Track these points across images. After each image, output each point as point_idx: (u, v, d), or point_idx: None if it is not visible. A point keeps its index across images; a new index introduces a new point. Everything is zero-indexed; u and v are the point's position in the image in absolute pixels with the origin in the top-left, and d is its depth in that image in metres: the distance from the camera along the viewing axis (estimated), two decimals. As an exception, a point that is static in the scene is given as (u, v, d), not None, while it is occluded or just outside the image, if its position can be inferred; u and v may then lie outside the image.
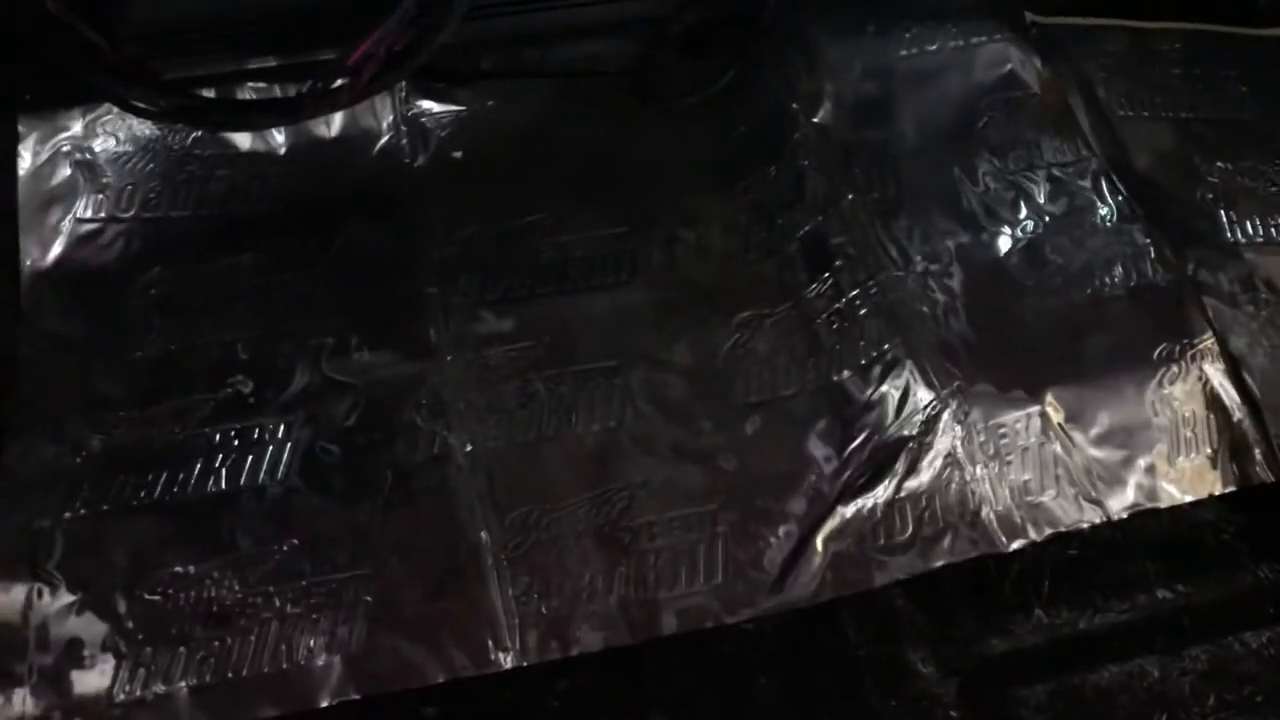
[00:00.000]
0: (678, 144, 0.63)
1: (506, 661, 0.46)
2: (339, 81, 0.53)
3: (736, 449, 0.52)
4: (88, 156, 0.57)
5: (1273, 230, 0.59)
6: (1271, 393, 0.51)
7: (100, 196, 0.57)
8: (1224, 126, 0.63)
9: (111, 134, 0.58)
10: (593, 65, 0.68)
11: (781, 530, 0.49)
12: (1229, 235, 0.58)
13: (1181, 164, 0.61)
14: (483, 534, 0.49)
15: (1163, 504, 0.49)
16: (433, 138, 0.63)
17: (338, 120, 0.63)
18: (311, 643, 0.46)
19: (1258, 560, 0.49)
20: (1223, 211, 0.59)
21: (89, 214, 0.56)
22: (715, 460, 0.51)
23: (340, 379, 0.54)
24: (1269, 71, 0.67)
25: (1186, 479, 0.50)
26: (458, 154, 0.63)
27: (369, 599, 0.47)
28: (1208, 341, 0.53)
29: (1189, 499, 0.49)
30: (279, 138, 0.62)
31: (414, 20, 0.52)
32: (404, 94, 0.64)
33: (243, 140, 0.61)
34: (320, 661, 0.46)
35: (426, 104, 0.64)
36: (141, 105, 0.52)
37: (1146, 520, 0.49)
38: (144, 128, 0.58)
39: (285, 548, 0.48)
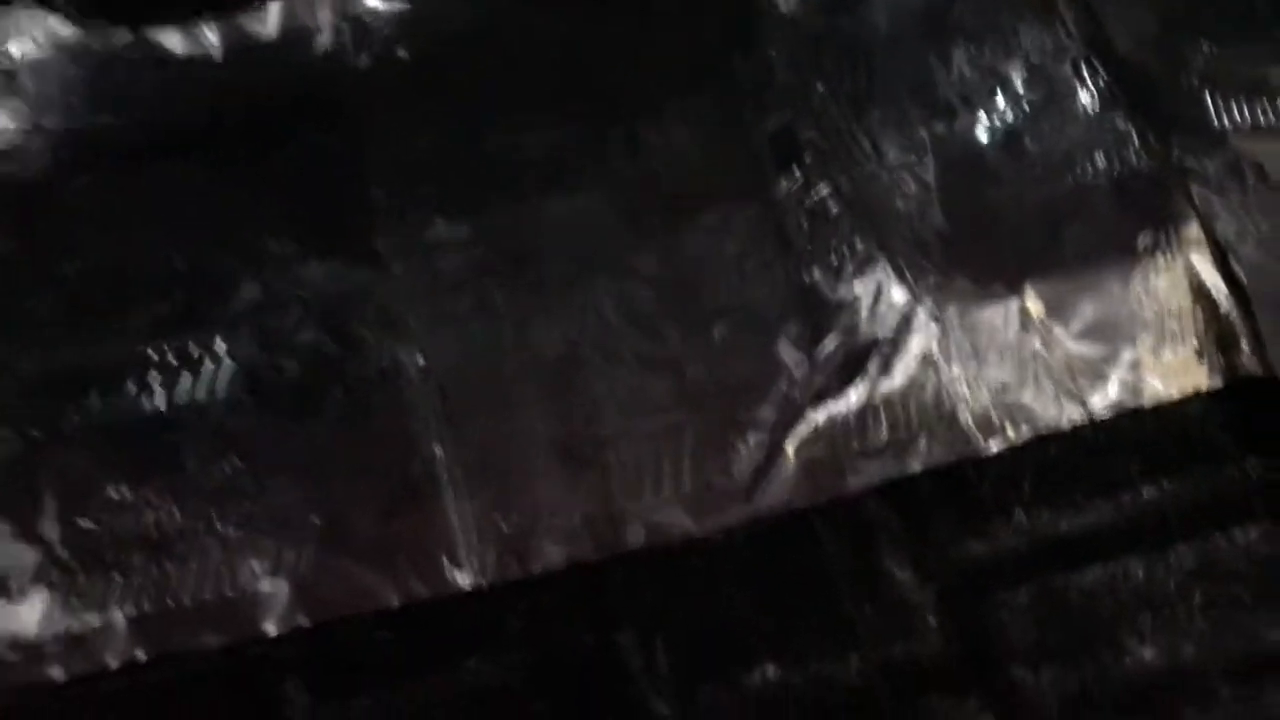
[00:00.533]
0: (641, 37, 0.60)
1: (464, 581, 0.44)
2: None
3: (704, 356, 0.49)
4: (3, 63, 0.53)
5: (1260, 115, 0.56)
6: (1260, 282, 0.49)
7: (19, 104, 0.53)
8: (1212, 6, 0.60)
9: (28, 36, 0.54)
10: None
11: (751, 438, 0.47)
12: (1215, 121, 0.55)
13: (1167, 47, 0.58)
14: (437, 449, 0.46)
15: (1147, 401, 0.47)
16: (376, 36, 0.59)
17: (274, 21, 0.59)
18: (257, 567, 0.44)
19: (1245, 454, 0.47)
20: (1208, 96, 0.56)
21: (8, 124, 0.52)
22: (682, 369, 0.49)
23: (284, 291, 0.50)
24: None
25: (1172, 374, 0.48)
26: (403, 54, 0.59)
27: (317, 521, 0.45)
28: (1194, 230, 0.50)
29: (1175, 395, 0.47)
30: (213, 39, 0.58)
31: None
32: (342, -12, 0.59)
33: (174, 43, 0.58)
34: (266, 587, 0.43)
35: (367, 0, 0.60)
36: (54, -1, 0.48)
37: (1130, 417, 0.47)
38: (65, 28, 0.54)
39: (228, 469, 0.46)
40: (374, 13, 0.60)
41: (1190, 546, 0.45)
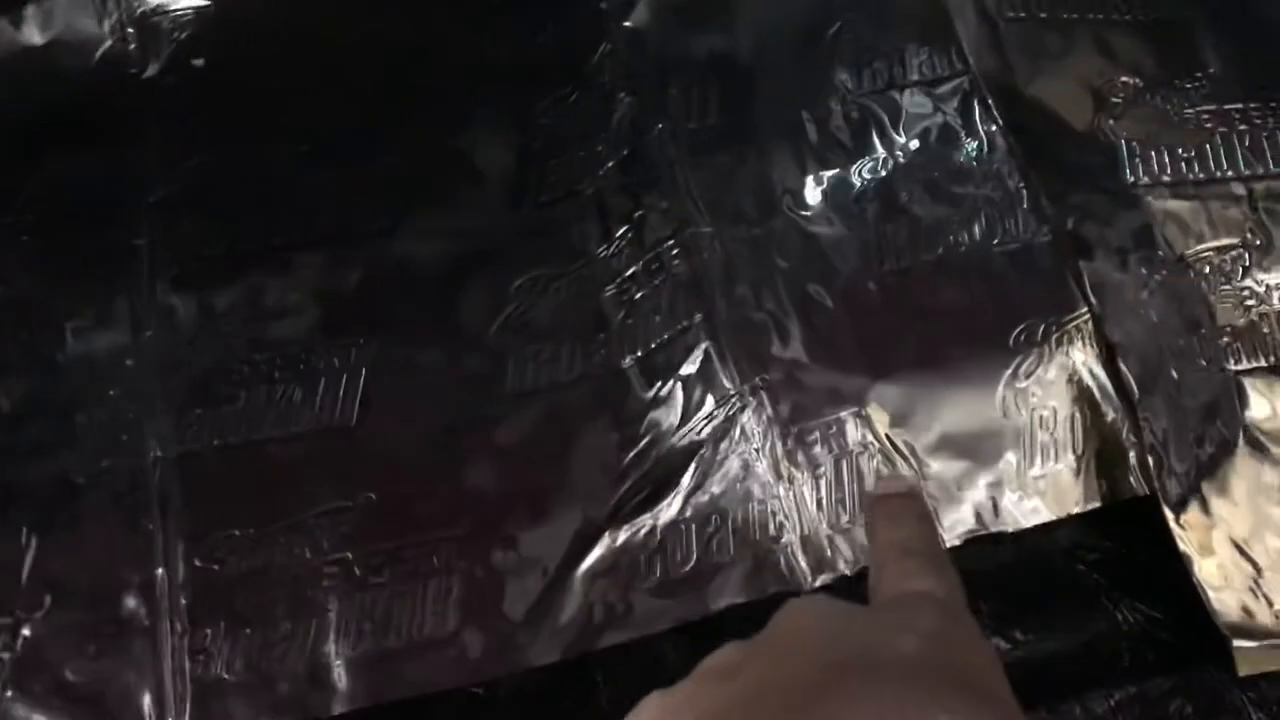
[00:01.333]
0: (471, 52, 0.51)
1: (168, 736, 0.36)
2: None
3: (494, 455, 0.42)
4: None
5: (1183, 165, 0.47)
6: (1152, 382, 0.41)
7: None
8: (1138, 30, 0.51)
9: None
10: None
11: (536, 563, 0.39)
12: (1128, 174, 0.47)
13: (1078, 79, 0.50)
14: (159, 570, 0.39)
15: (1008, 527, 0.40)
16: (168, 41, 0.51)
17: (47, 24, 0.50)
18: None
19: (1118, 598, 0.40)
20: (1123, 142, 0.48)
21: None
22: (466, 471, 0.42)
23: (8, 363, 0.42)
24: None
25: (1040, 494, 0.40)
26: (198, 61, 0.51)
27: (6, 657, 0.37)
28: (1080, 319, 0.42)
29: (1041, 520, 0.39)
30: (-31, 44, 0.49)
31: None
32: (133, -13, 0.51)
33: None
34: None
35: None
36: None
37: (986, 548, 0.39)
38: None
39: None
40: (169, 13, 0.51)
41: (1039, 717, 0.37)
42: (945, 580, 0.30)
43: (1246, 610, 0.38)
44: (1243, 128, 0.49)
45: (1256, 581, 0.39)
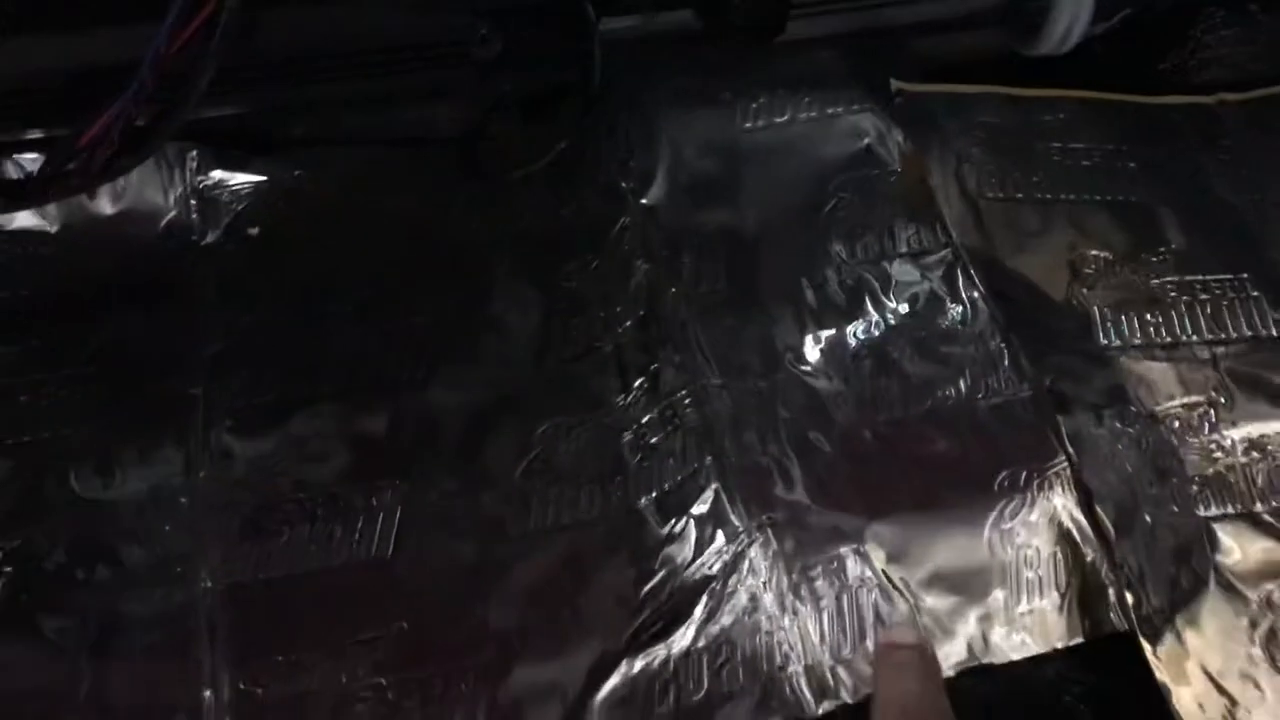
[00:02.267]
0: (500, 225, 0.57)
1: None
2: (71, 165, 0.46)
3: (517, 589, 0.45)
4: None
5: (1152, 330, 0.52)
6: (1128, 525, 0.44)
7: None
8: (1107, 209, 0.57)
9: None
10: (420, 133, 0.61)
11: (556, 691, 0.42)
12: (1102, 338, 0.52)
13: (1054, 253, 0.55)
14: (207, 693, 0.42)
15: (997, 660, 0.42)
16: (226, 212, 0.56)
17: (119, 196, 0.56)
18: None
19: (1102, 728, 0.42)
20: (1096, 309, 0.53)
21: None
22: (490, 603, 0.45)
23: (72, 499, 0.46)
24: (1163, 144, 0.61)
25: (1027, 629, 0.43)
26: (253, 230, 0.56)
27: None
28: (1059, 467, 0.46)
29: (1028, 654, 0.42)
30: (52, 212, 0.55)
31: (151, 95, 0.45)
32: (196, 163, 0.57)
33: (9, 216, 0.54)
34: None
35: (221, 174, 0.57)
36: None
37: (977, 679, 0.42)
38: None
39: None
40: (227, 187, 0.56)
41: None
42: None
43: (1223, 739, 0.41)
44: (1204, 297, 0.54)
45: (1231, 712, 0.42)
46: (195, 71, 0.43)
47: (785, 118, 0.57)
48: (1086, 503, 0.45)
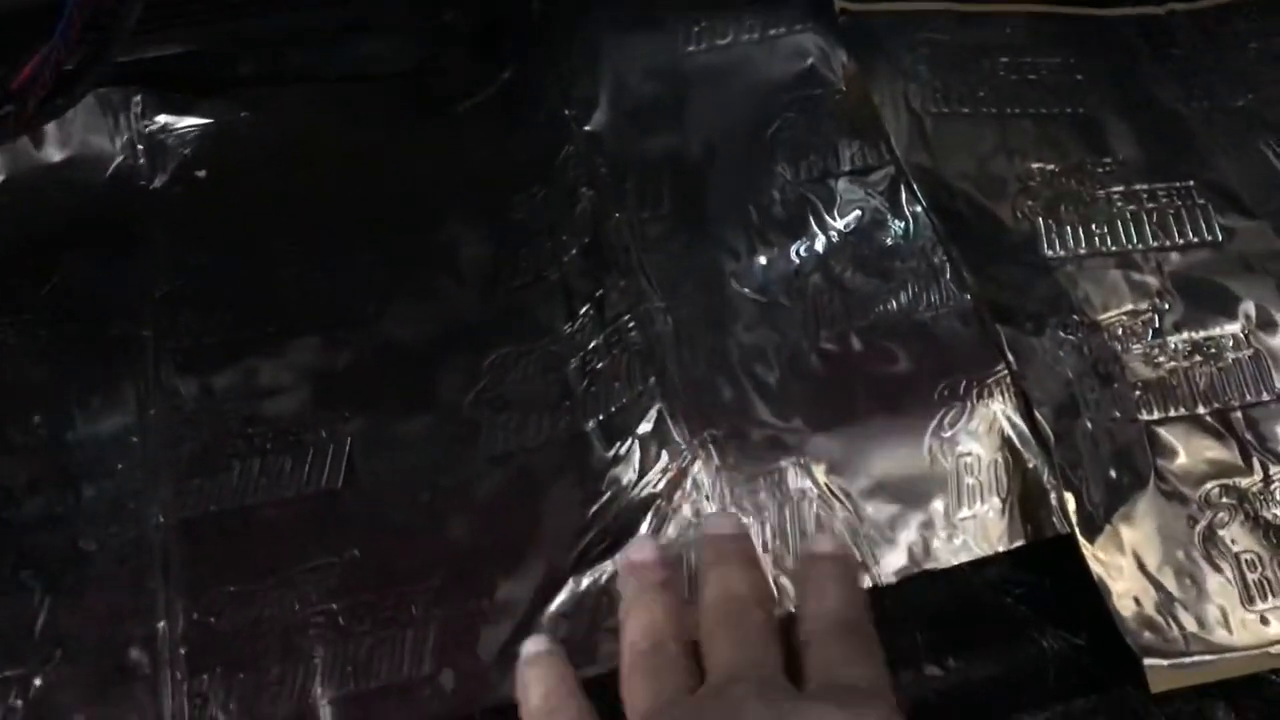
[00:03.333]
0: (448, 158, 0.57)
1: (169, 775, 0.39)
2: (4, 110, 0.46)
3: (469, 512, 0.46)
4: None
5: (1096, 240, 0.52)
6: (1068, 430, 0.45)
7: None
8: (1052, 122, 0.57)
9: None
10: (366, 68, 0.61)
11: (506, 609, 0.43)
12: (1046, 249, 0.52)
13: (998, 167, 0.55)
14: (161, 624, 0.43)
15: (939, 565, 0.43)
16: (173, 155, 0.56)
17: (65, 143, 0.56)
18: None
19: (1043, 627, 0.43)
20: (1041, 221, 0.53)
21: None
22: (443, 527, 0.45)
23: (23, 444, 0.47)
24: (1112, 56, 0.61)
25: (968, 534, 0.44)
26: (201, 173, 0.56)
27: (19, 704, 0.41)
28: (999, 375, 0.46)
29: (969, 558, 0.43)
30: (-5, 160, 0.55)
31: (80, 37, 0.45)
32: (141, 108, 0.57)
33: (-51, 166, 0.54)
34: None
35: (167, 118, 0.57)
36: None
37: (919, 585, 0.43)
38: None
39: (-68, 646, 0.42)
40: (174, 131, 0.56)
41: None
42: (876, 668, 0.34)
43: (1157, 632, 0.42)
44: (1150, 205, 0.54)
45: (1165, 607, 0.43)
46: (123, 8, 0.43)
47: (728, 40, 0.57)
48: (1026, 409, 0.46)
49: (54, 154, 0.56)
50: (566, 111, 0.55)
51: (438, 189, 0.55)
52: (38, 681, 0.41)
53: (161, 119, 0.57)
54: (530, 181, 0.54)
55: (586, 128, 0.55)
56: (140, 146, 0.57)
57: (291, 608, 0.43)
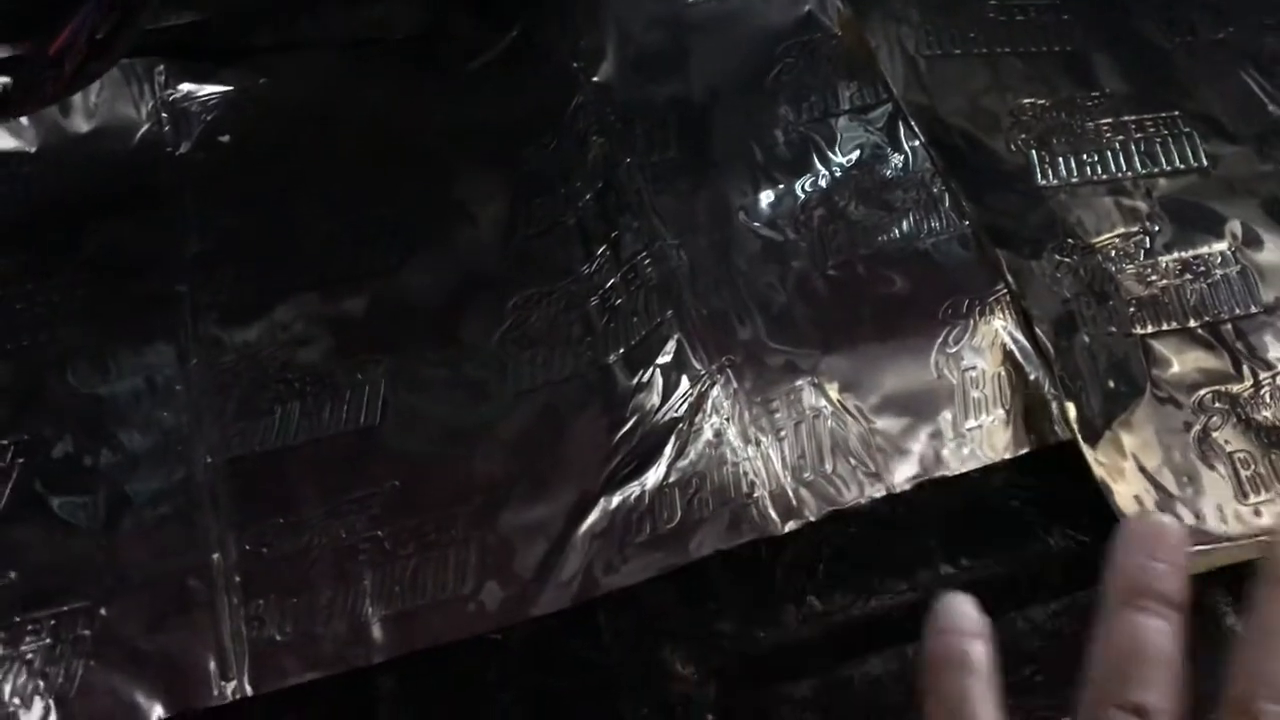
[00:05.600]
0: (461, 114, 0.59)
1: (229, 693, 0.42)
2: (45, 74, 0.48)
3: (501, 442, 0.48)
4: None
5: (1088, 169, 0.55)
6: (1067, 344, 0.48)
7: None
8: (1042, 60, 0.59)
9: None
10: (377, 32, 0.63)
11: (541, 529, 0.46)
12: (1039, 179, 0.54)
13: (991, 103, 0.57)
14: (215, 555, 0.45)
15: (949, 471, 0.46)
16: (197, 122, 0.59)
17: (92, 114, 0.58)
18: (23, 684, 0.42)
19: (1049, 527, 0.46)
20: (1034, 153, 0.55)
21: None
22: (475, 456, 0.48)
23: (72, 393, 0.49)
24: (1095, -8, 0.62)
25: (976, 444, 0.46)
26: (225, 138, 0.59)
27: (86, 633, 0.43)
28: (1000, 294, 0.49)
29: (977, 465, 0.45)
30: (30, 133, 0.57)
31: (113, 2, 0.47)
32: (164, 77, 0.59)
33: (-13, 139, 0.57)
34: (34, 708, 0.42)
35: (189, 86, 0.60)
36: None
37: (931, 492, 0.45)
38: None
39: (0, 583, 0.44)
40: (196, 98, 0.59)
41: (985, 628, 0.43)
42: None
43: (1158, 525, 0.44)
44: (1138, 135, 0.57)
45: (1165, 504, 0.45)
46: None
47: (727, -11, 0.59)
48: (1026, 325, 0.48)
49: (82, 125, 0.58)
50: (574, 64, 0.58)
51: (452, 144, 0.57)
52: (102, 612, 0.44)
53: (184, 87, 0.59)
54: (542, 132, 0.56)
55: (595, 78, 0.57)
56: (165, 114, 0.59)
57: (338, 535, 0.45)
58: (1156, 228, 0.53)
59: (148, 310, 0.52)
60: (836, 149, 0.54)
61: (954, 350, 0.48)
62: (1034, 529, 0.46)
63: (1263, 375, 0.49)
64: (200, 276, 0.53)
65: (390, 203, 0.55)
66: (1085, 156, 0.56)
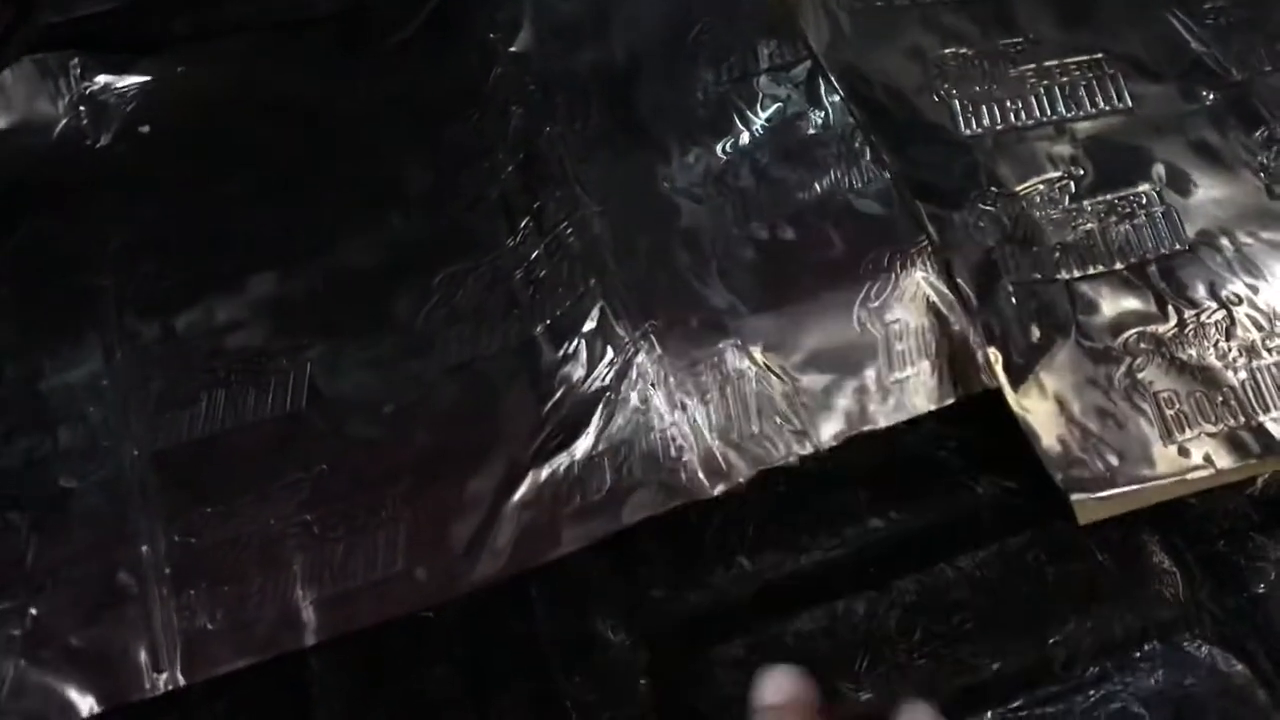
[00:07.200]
0: (383, 92, 0.59)
1: (162, 684, 0.42)
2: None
3: (430, 420, 0.48)
4: None
5: (1012, 115, 0.55)
6: (989, 292, 0.47)
7: None
8: (965, 8, 0.59)
9: None
10: (297, 14, 0.63)
11: (471, 504, 0.45)
12: (963, 128, 0.54)
13: (913, 56, 0.57)
14: (144, 548, 0.45)
15: (875, 425, 0.46)
16: (116, 114, 0.58)
17: (8, 110, 0.58)
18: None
19: (976, 476, 0.46)
20: (957, 102, 0.55)
21: None
22: (407, 435, 0.47)
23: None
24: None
25: (902, 396, 0.46)
26: (145, 129, 0.58)
27: (16, 633, 0.43)
28: (921, 245, 0.49)
29: (902, 418, 0.45)
30: (-58, 132, 0.56)
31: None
32: (80, 70, 0.58)
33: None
34: (-37, 708, 0.42)
35: (106, 78, 0.59)
36: None
37: (858, 447, 0.45)
38: None
39: (-71, 586, 0.44)
40: (114, 90, 0.58)
41: (914, 579, 0.44)
42: None
43: (1083, 469, 0.44)
44: (1062, 79, 0.57)
45: (1090, 446, 0.45)
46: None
47: (642, -48, 0.59)
48: (948, 275, 0.48)
49: (-1, 122, 0.58)
50: (491, 35, 0.57)
51: (376, 122, 0.57)
52: (33, 611, 0.44)
53: (101, 79, 0.58)
54: (464, 106, 0.56)
55: (512, 48, 0.57)
56: (83, 108, 0.58)
57: (267, 522, 0.45)
58: (1081, 171, 0.53)
59: (73, 306, 0.51)
60: (757, 108, 0.54)
61: (876, 304, 0.47)
62: (961, 479, 0.46)
63: (1187, 314, 0.49)
64: (124, 268, 0.52)
65: (317, 184, 0.55)
66: (1009, 104, 0.56)
